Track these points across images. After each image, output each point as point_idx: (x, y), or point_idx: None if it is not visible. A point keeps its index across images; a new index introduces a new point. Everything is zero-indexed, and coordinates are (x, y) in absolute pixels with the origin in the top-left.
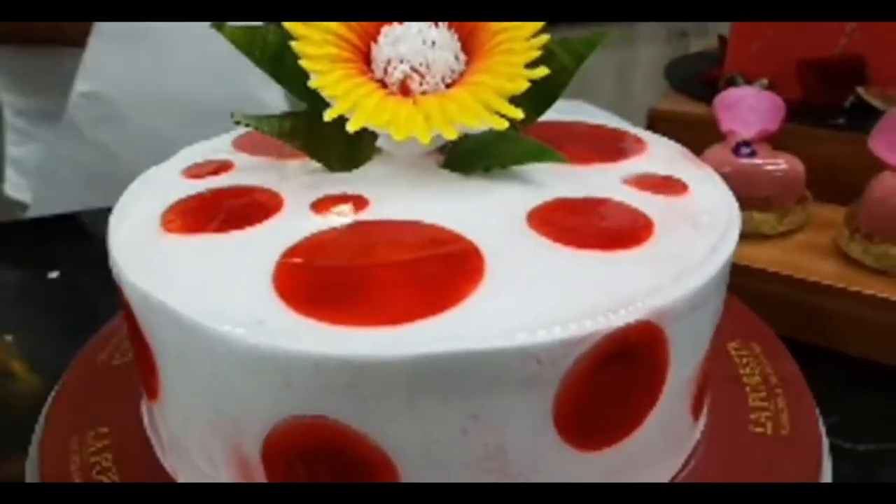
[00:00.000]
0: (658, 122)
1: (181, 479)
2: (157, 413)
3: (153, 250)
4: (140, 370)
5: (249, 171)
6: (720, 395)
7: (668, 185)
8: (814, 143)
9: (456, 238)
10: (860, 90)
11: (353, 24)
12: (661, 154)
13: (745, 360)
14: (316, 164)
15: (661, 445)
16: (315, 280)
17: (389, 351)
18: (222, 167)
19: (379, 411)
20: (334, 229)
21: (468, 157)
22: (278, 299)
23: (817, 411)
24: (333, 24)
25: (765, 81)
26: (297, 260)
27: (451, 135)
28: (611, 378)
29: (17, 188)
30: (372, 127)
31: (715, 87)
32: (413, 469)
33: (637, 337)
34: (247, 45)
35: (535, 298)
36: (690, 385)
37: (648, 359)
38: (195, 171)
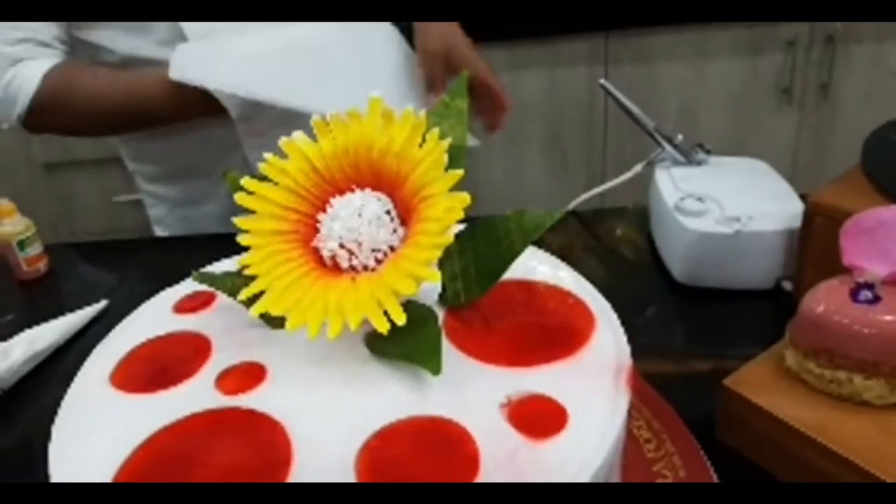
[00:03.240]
0: (817, 217)
1: None
2: None
3: (87, 400)
4: None
5: (215, 312)
6: None
7: (545, 419)
8: None
9: (278, 460)
10: None
11: (306, 194)
12: (592, 356)
13: None
14: None
15: None
16: (148, 470)
17: None
18: (205, 302)
19: None
20: (206, 413)
21: (378, 340)
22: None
23: None
24: (284, 196)
25: None
26: (152, 448)
27: (335, 332)
28: None
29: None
30: (273, 312)
31: None
32: None
33: None
34: None
35: None
36: None
37: None
38: (182, 305)
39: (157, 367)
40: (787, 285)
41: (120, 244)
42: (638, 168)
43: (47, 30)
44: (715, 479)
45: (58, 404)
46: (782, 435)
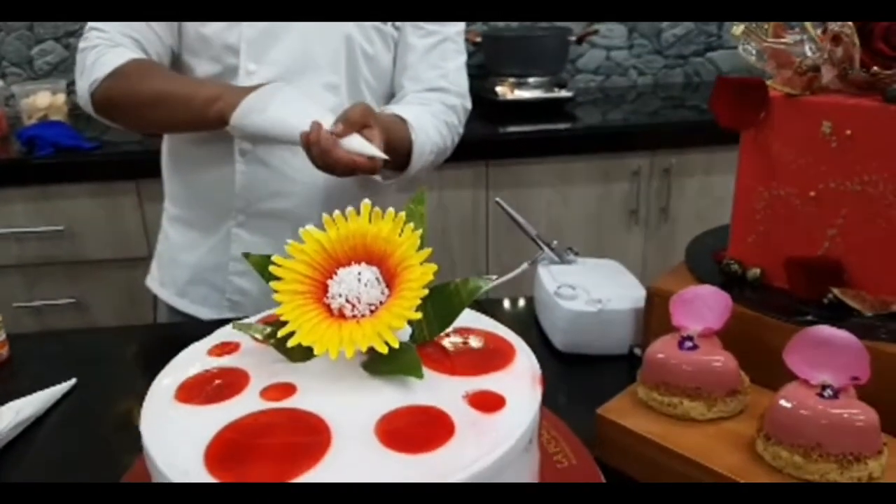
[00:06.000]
0: (655, 298)
1: None
2: None
3: (162, 411)
4: None
5: (243, 354)
6: None
7: (492, 402)
8: (781, 335)
9: (320, 429)
10: (836, 290)
11: (315, 265)
12: (516, 370)
13: None
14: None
15: None
16: (228, 448)
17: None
18: (233, 348)
19: None
20: (259, 412)
21: (375, 362)
22: (202, 459)
23: None
24: (303, 268)
25: (757, 272)
26: (226, 434)
27: (350, 354)
28: None
29: (152, 279)
30: (304, 343)
31: (720, 268)
32: None
33: None
34: None
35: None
36: None
37: None
38: (215, 350)
39: (210, 388)
40: (638, 351)
41: (65, 333)
42: (525, 266)
43: (157, 42)
44: (598, 467)
45: (42, 465)
46: (640, 445)
